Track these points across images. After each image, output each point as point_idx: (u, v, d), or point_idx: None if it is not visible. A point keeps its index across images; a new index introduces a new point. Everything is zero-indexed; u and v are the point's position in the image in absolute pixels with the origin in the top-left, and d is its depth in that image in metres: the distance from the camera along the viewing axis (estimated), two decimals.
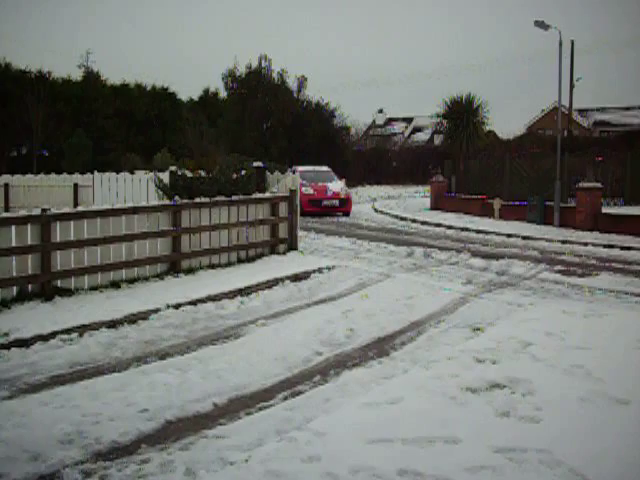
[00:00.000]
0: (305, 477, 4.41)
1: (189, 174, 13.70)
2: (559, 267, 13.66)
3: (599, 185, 20.66)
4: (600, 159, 24.26)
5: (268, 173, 15.55)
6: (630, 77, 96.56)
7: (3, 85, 42.09)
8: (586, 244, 17.35)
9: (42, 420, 5.60)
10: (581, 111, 55.65)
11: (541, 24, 22.03)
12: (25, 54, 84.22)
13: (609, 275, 12.79)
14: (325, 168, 28.48)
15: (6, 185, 22.20)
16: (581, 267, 13.80)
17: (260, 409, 6.01)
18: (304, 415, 5.75)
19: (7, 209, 21.09)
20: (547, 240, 18.18)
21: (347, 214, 26.25)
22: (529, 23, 22.31)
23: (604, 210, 20.71)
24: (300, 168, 25.82)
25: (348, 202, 26.28)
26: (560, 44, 22.19)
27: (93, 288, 10.41)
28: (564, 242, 17.78)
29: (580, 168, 22.49)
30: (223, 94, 49.95)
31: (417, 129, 66.49)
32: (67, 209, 10.64)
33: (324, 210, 25.54)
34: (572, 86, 34.82)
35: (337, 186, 26.20)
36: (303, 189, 23.87)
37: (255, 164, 15.50)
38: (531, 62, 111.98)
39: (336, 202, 25.77)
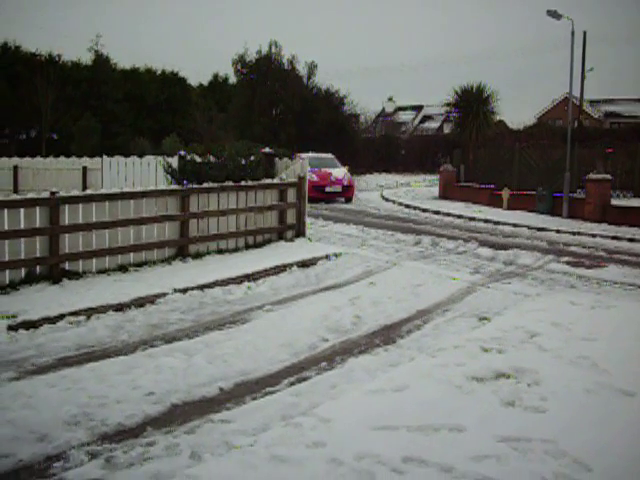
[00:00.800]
0: (310, 462, 4.42)
1: (198, 159, 13.69)
2: (567, 258, 13.63)
3: (609, 177, 20.56)
4: (610, 151, 24.14)
5: (277, 159, 15.53)
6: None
7: (13, 68, 42.16)
8: (594, 236, 17.29)
9: (49, 401, 5.63)
10: (592, 102, 55.38)
11: (553, 14, 21.87)
12: (35, 37, 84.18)
13: (617, 267, 12.75)
14: (328, 155, 28.81)
15: (15, 167, 22.24)
16: (589, 258, 13.76)
17: (266, 394, 6.02)
18: (310, 401, 5.76)
19: (16, 191, 21.12)
20: (555, 231, 18.13)
21: (349, 200, 26.79)
22: (542, 12, 22.18)
23: (613, 202, 20.62)
24: (304, 155, 25.91)
25: (350, 188, 26.76)
26: (572, 34, 22.04)
27: (101, 271, 10.44)
28: (572, 233, 17.72)
29: (590, 159, 22.38)
30: (233, 80, 49.92)
31: (426, 117, 66.25)
32: (76, 192, 10.66)
33: (327, 196, 25.91)
34: (583, 77, 34.59)
35: (340, 173, 26.57)
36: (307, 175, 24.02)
37: (264, 150, 15.48)
38: (543, 52, 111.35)
39: (339, 188, 26.18)
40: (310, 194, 24.13)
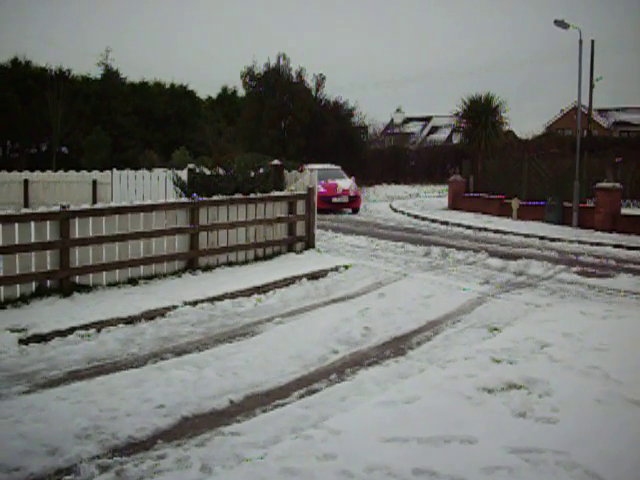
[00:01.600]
0: (320, 475, 4.42)
1: (207, 172, 13.74)
2: (577, 268, 13.59)
3: (618, 186, 20.52)
4: (620, 159, 24.09)
5: (286, 171, 15.57)
6: None
7: (24, 82, 42.45)
8: (605, 245, 17.24)
9: (60, 415, 5.65)
10: (601, 111, 55.29)
11: (561, 23, 21.89)
12: (45, 52, 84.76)
13: (628, 276, 12.71)
14: (335, 166, 28.98)
15: (26, 181, 22.36)
16: (599, 268, 13.71)
17: (276, 406, 6.02)
18: (320, 413, 5.76)
19: (27, 205, 21.23)
20: (565, 241, 18.08)
21: (356, 211, 26.89)
22: (549, 22, 22.18)
23: (623, 211, 20.57)
24: (310, 166, 26.02)
25: (357, 199, 26.87)
26: (580, 43, 22.05)
27: (111, 284, 10.47)
28: (582, 243, 17.67)
29: (599, 168, 22.34)
30: (241, 92, 50.05)
31: (435, 128, 66.26)
32: (86, 206, 10.70)
33: (334, 207, 26.05)
34: (592, 86, 34.60)
35: (346, 184, 26.70)
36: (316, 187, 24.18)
37: (273, 162, 15.52)
38: (551, 62, 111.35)
39: (345, 199, 26.27)
40: (317, 205, 24.28)
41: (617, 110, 57.38)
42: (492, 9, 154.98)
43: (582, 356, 6.93)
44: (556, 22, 21.91)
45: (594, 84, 35.18)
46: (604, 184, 20.53)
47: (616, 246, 17.03)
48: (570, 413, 5.41)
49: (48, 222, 9.65)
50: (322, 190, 24.95)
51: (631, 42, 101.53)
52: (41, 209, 10.00)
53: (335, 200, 25.98)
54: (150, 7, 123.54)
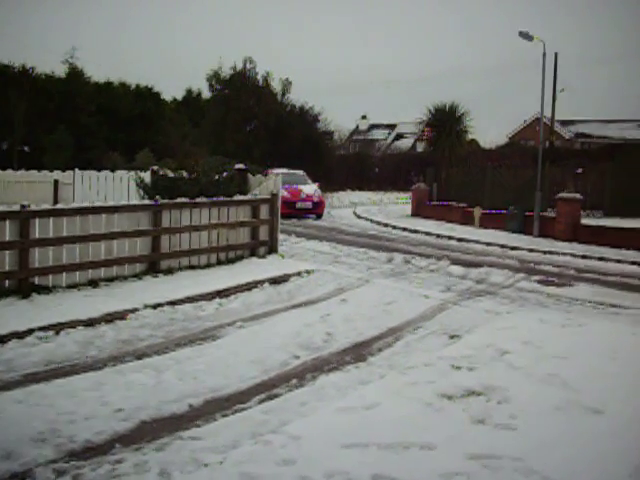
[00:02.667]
0: None
1: (171, 174, 13.65)
2: (537, 277, 13.74)
3: (579, 196, 20.82)
4: (580, 171, 24.44)
5: (250, 175, 15.53)
6: (613, 91, 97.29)
7: None
8: (565, 254, 17.47)
9: (16, 418, 5.56)
10: (563, 122, 55.98)
11: (525, 35, 22.16)
12: (8, 48, 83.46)
13: (587, 285, 12.89)
14: (300, 172, 29.05)
15: None
16: (559, 277, 13.89)
17: (236, 411, 5.99)
18: (280, 418, 5.74)
19: None
20: (526, 249, 18.29)
21: (320, 216, 27.08)
22: (514, 33, 22.43)
23: (583, 221, 20.87)
24: (275, 171, 26.05)
25: (321, 205, 27.16)
26: (544, 55, 22.33)
27: (71, 286, 10.34)
28: (543, 252, 17.89)
29: (561, 179, 22.67)
30: (207, 95, 49.87)
31: (400, 136, 66.58)
32: (47, 206, 10.57)
33: (298, 212, 26.14)
34: (555, 97, 34.96)
35: (311, 189, 26.93)
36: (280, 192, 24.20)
37: (237, 166, 15.48)
38: (515, 72, 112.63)
39: (309, 204, 26.51)
40: (281, 210, 24.30)
41: (579, 122, 58.21)
42: (458, 18, 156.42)
43: (541, 364, 7.00)
44: (521, 33, 22.18)
45: (557, 96, 35.57)
46: (565, 194, 20.82)
47: (576, 256, 17.26)
48: (528, 420, 5.47)
49: (7, 221, 9.50)
50: (286, 195, 24.95)
51: (595, 55, 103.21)
52: (1, 208, 9.85)
53: (299, 205, 26.11)
54: (116, 7, 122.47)
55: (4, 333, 7.79)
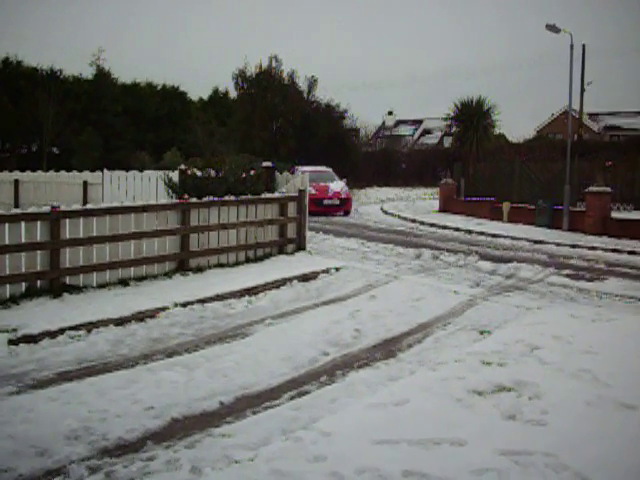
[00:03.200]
0: (310, 477, 4.42)
1: (198, 173, 13.72)
2: (567, 271, 13.63)
3: (608, 190, 20.59)
4: (610, 164, 24.17)
5: (277, 173, 15.56)
6: None
7: (15, 82, 42.36)
8: (595, 248, 17.30)
9: (49, 416, 5.63)
10: (592, 115, 55.48)
11: (552, 27, 21.96)
12: (37, 52, 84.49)
13: (617, 280, 12.76)
14: (326, 169, 29.02)
15: (16, 181, 22.30)
16: (589, 271, 13.76)
17: (266, 408, 6.02)
18: (310, 415, 5.76)
19: (17, 205, 21.17)
20: (556, 244, 18.13)
21: (347, 213, 26.96)
22: (541, 26, 22.26)
23: (613, 215, 20.65)
24: (302, 168, 26.15)
25: (348, 201, 26.99)
26: (571, 48, 22.12)
27: (101, 285, 10.44)
28: (573, 246, 17.73)
29: (590, 172, 22.41)
30: (233, 94, 50.09)
31: (426, 131, 66.38)
32: (77, 206, 10.68)
33: (325, 209, 26.10)
34: (583, 90, 34.70)
35: (338, 186, 26.79)
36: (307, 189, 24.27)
37: (264, 164, 15.51)
38: (542, 65, 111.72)
39: (337, 201, 26.41)
40: (308, 208, 24.36)
41: (608, 114, 57.61)
42: (484, 12, 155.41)
43: (572, 359, 6.95)
44: (547, 26, 21.98)
45: (585, 88, 35.30)
46: (594, 188, 20.61)
47: (606, 249, 17.08)
48: (560, 416, 5.43)
49: (39, 222, 9.62)
50: (313, 192, 24.89)
51: (622, 47, 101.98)
52: (32, 209, 9.97)
53: (326, 202, 26.07)
54: (143, 8, 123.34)
55: (37, 332, 7.89)
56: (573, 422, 5.32)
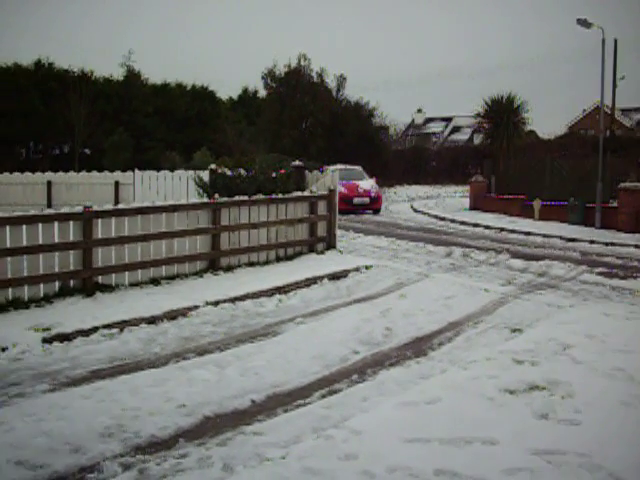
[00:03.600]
0: (342, 475, 4.42)
1: (228, 172, 13.77)
2: (600, 269, 13.48)
3: None
4: None
5: (307, 172, 15.58)
6: None
7: (46, 84, 42.85)
8: (628, 246, 17.10)
9: (83, 413, 5.69)
10: (624, 110, 54.81)
11: (583, 22, 21.74)
12: (68, 54, 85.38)
13: None
14: (356, 167, 28.88)
15: (49, 182, 22.54)
16: (623, 269, 13.60)
17: (297, 407, 6.03)
18: (341, 413, 5.76)
19: (50, 206, 21.40)
20: (588, 241, 17.95)
21: (377, 211, 26.83)
22: (571, 21, 22.04)
23: None
24: (331, 167, 26.03)
25: (378, 200, 26.85)
26: (603, 42, 21.88)
27: (133, 284, 10.53)
28: (605, 244, 17.54)
29: (623, 169, 22.16)
30: (262, 93, 50.24)
31: (456, 128, 66.07)
32: (108, 206, 10.78)
33: (355, 208, 25.98)
34: (615, 85, 34.25)
35: (367, 184, 26.68)
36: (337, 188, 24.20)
37: (294, 163, 15.54)
38: (573, 61, 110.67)
39: (367, 200, 26.27)
40: (338, 206, 24.33)
41: None
42: (514, 8, 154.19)
43: (606, 358, 6.88)
44: (579, 21, 21.76)
45: (617, 83, 34.84)
46: (627, 184, 20.37)
47: (639, 247, 16.87)
48: (594, 415, 5.37)
49: (71, 222, 9.73)
50: (343, 191, 24.81)
51: None
52: (64, 210, 10.07)
53: (356, 201, 25.96)
54: (172, 9, 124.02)
55: (70, 331, 7.99)
56: (607, 421, 5.26)
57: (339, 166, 27.30)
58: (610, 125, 29.60)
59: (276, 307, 9.93)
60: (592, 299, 10.61)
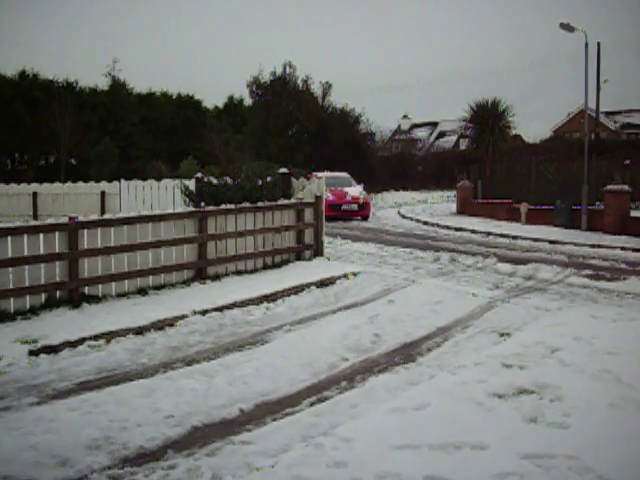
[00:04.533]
0: None
1: (215, 181, 13.75)
2: (587, 271, 13.53)
3: (627, 188, 20.46)
4: (628, 162, 24.01)
5: (293, 179, 15.58)
6: None
7: (31, 94, 42.77)
8: (614, 248, 17.18)
9: (70, 426, 5.64)
10: (608, 114, 55.11)
11: (566, 26, 21.87)
12: (52, 64, 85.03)
13: (638, 279, 12.65)
14: (344, 174, 29.01)
15: (34, 193, 22.48)
16: (609, 271, 13.66)
17: (286, 415, 6.00)
18: (330, 421, 5.74)
19: (35, 217, 21.34)
20: (575, 244, 18.02)
21: (366, 218, 26.82)
22: (554, 25, 22.17)
23: (633, 213, 20.50)
24: (319, 174, 26.03)
25: (366, 206, 26.87)
26: (586, 46, 22.01)
27: (120, 295, 10.48)
28: (592, 246, 17.61)
29: (608, 171, 22.29)
30: (248, 101, 50.30)
31: (442, 134, 66.18)
32: (94, 217, 10.73)
33: (343, 214, 26.02)
34: (599, 89, 34.49)
35: (356, 191, 26.70)
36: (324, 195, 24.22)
37: (280, 170, 15.53)
38: (557, 65, 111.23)
39: (355, 206, 26.28)
40: (326, 213, 24.18)
41: (624, 112, 57.21)
42: (496, 13, 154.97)
43: (594, 360, 6.89)
44: (562, 25, 21.89)
45: (601, 87, 35.08)
46: (613, 187, 20.48)
47: (626, 249, 16.96)
48: (582, 418, 5.38)
49: (57, 233, 9.67)
50: (331, 198, 24.89)
51: (637, 44, 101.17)
52: (50, 221, 10.03)
53: (344, 207, 26.00)
54: (156, 18, 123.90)
55: (57, 343, 7.93)
56: (596, 424, 5.27)
57: (327, 173, 27.38)
58: (595, 128, 29.77)
59: (264, 315, 9.90)
60: (579, 302, 10.64)
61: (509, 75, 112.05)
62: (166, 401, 6.27)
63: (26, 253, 9.29)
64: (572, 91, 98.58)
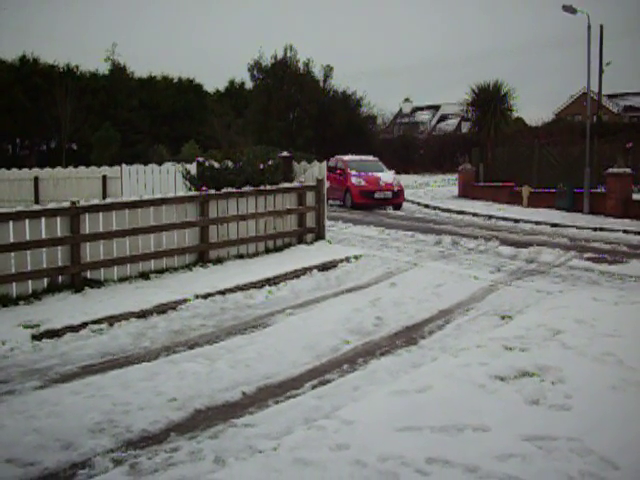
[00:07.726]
0: (334, 465, 4.41)
1: (216, 165, 13.73)
2: (589, 254, 13.52)
3: (629, 171, 20.41)
4: (630, 145, 23.93)
5: (295, 163, 15.55)
6: None
7: (32, 80, 42.66)
8: (616, 231, 17.15)
9: (73, 409, 5.67)
10: (611, 96, 54.85)
11: (569, 8, 21.74)
12: (53, 49, 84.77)
13: None
14: (372, 157, 27.10)
15: (36, 178, 22.43)
16: (611, 254, 13.65)
17: (288, 398, 6.02)
18: (332, 403, 5.76)
19: (37, 202, 21.31)
20: (577, 227, 18.00)
21: (399, 207, 24.60)
22: (557, 7, 22.04)
23: (635, 196, 20.46)
24: (345, 157, 25.22)
25: (401, 194, 24.47)
26: (589, 28, 21.88)
27: (122, 279, 10.49)
28: (594, 229, 17.59)
29: (610, 154, 22.22)
30: (249, 85, 50.13)
31: (444, 117, 65.96)
32: (96, 201, 10.71)
33: (376, 202, 23.96)
34: (601, 71, 34.26)
35: (389, 177, 24.49)
36: (354, 180, 23.58)
37: (282, 154, 15.50)
38: (560, 47, 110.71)
39: (389, 194, 23.93)
40: (357, 200, 23.60)
41: (627, 95, 56.95)
42: None
43: (595, 342, 6.89)
44: (564, 7, 21.77)
45: (603, 69, 34.87)
46: (615, 170, 20.43)
47: (628, 232, 16.93)
48: (584, 400, 5.39)
49: (58, 218, 9.67)
50: (363, 184, 23.65)
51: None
52: (51, 205, 10.02)
53: (378, 195, 23.77)
54: (156, 1, 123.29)
55: (59, 327, 7.95)
56: (597, 406, 5.28)
57: (354, 157, 26.00)
58: (597, 111, 29.61)
59: (266, 299, 9.91)
60: (581, 284, 10.64)
61: (512, 57, 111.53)
62: (169, 384, 6.29)
63: (28, 238, 9.29)
64: (575, 74, 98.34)
